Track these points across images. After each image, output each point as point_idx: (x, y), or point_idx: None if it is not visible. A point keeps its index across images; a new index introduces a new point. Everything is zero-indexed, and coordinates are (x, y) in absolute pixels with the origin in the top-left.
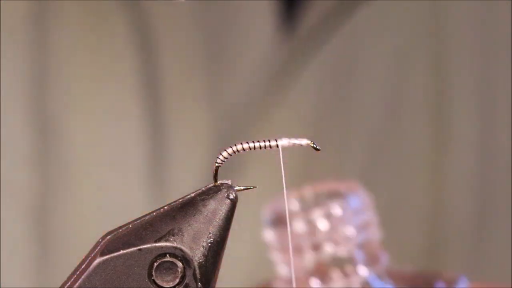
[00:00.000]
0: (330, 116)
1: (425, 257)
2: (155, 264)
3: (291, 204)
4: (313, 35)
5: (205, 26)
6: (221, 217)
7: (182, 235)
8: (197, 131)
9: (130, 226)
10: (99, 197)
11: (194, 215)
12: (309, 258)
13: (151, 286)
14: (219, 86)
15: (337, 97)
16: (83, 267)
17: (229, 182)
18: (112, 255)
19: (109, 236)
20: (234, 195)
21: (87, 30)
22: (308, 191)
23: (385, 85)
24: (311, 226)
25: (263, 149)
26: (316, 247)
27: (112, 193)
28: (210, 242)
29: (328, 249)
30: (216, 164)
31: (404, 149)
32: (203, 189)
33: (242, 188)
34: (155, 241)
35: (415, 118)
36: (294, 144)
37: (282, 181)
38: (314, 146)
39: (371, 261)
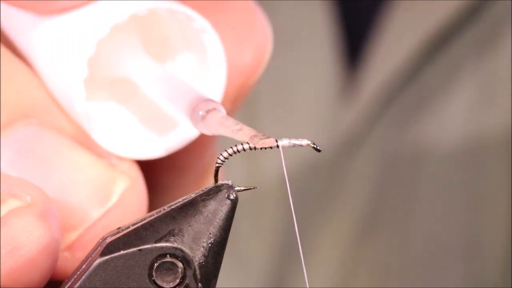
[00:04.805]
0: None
1: None
2: (155, 264)
3: None
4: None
5: None
6: (222, 218)
7: (182, 235)
8: None
9: (131, 226)
10: None
11: (195, 215)
12: None
13: (151, 286)
14: None
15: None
16: (83, 267)
17: (230, 182)
18: (113, 255)
19: (109, 237)
20: (234, 195)
21: None
22: None
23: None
24: None
25: (263, 149)
26: None
27: None
28: (211, 243)
29: None
30: (217, 165)
31: None
32: (204, 189)
33: (242, 188)
34: (156, 242)
35: None
36: (294, 145)
37: (286, 181)
38: (315, 146)
39: None
